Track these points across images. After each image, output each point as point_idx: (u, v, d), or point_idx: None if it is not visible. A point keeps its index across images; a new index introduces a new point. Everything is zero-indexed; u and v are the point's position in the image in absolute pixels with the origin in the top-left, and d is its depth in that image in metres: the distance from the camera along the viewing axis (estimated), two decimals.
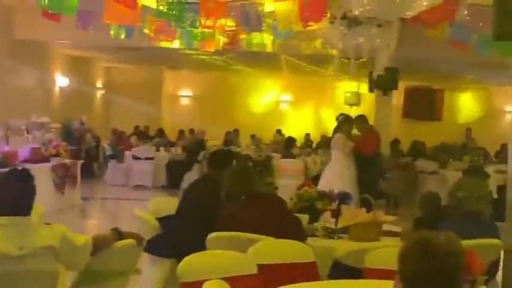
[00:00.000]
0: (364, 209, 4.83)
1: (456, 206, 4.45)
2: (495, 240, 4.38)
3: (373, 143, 9.25)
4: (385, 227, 4.85)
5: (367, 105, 17.37)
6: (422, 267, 2.08)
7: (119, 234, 3.48)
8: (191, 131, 16.85)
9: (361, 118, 9.73)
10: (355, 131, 9.60)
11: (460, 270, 2.13)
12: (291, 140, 15.12)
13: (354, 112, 13.53)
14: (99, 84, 20.15)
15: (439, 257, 2.08)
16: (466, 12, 8.78)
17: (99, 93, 20.16)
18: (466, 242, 3.39)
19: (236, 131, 18.55)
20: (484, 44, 9.39)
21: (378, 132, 10.01)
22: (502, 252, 4.65)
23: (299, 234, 4.18)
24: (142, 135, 17.48)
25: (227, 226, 4.17)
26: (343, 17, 7.86)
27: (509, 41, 5.22)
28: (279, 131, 18.94)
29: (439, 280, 2.08)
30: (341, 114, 9.45)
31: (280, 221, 4.21)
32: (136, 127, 17.99)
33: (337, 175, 8.89)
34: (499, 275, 4.89)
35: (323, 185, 6.84)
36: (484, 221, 4.43)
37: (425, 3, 5.44)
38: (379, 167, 11.44)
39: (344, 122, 9.22)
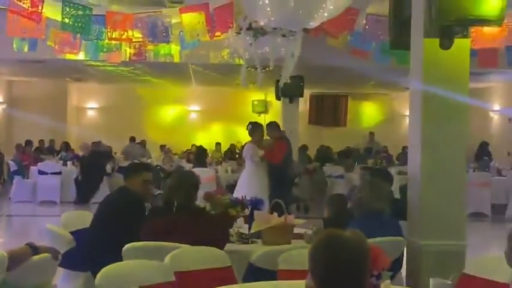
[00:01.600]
0: (276, 214, 4.96)
1: (358, 206, 4.72)
2: (398, 238, 4.65)
3: (281, 152, 9.22)
4: (296, 230, 5.02)
5: (276, 112, 17.71)
6: (331, 263, 2.19)
7: (34, 249, 3.44)
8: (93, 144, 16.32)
9: (272, 125, 9.63)
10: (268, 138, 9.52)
11: (366, 266, 2.25)
12: (201, 150, 15.17)
13: (263, 120, 13.77)
14: (0, 99, 19.47)
15: (346, 253, 2.20)
16: (364, 22, 9.21)
17: (1, 108, 19.48)
18: (371, 240, 3.61)
19: (143, 141, 18.36)
20: (382, 52, 9.83)
21: (288, 139, 10.05)
22: (405, 249, 4.93)
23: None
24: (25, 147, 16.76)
25: (159, 238, 4.16)
26: (249, 28, 8.04)
27: (405, 50, 5.52)
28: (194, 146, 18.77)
29: (346, 275, 2.20)
30: (250, 123, 9.33)
31: (219, 239, 4.34)
32: (27, 141, 16.99)
33: (247, 183, 8.90)
34: (403, 270, 5.17)
35: (236, 194, 6.90)
36: (386, 219, 4.70)
37: (326, 14, 5.67)
38: (291, 173, 11.62)
39: (254, 130, 9.14)
